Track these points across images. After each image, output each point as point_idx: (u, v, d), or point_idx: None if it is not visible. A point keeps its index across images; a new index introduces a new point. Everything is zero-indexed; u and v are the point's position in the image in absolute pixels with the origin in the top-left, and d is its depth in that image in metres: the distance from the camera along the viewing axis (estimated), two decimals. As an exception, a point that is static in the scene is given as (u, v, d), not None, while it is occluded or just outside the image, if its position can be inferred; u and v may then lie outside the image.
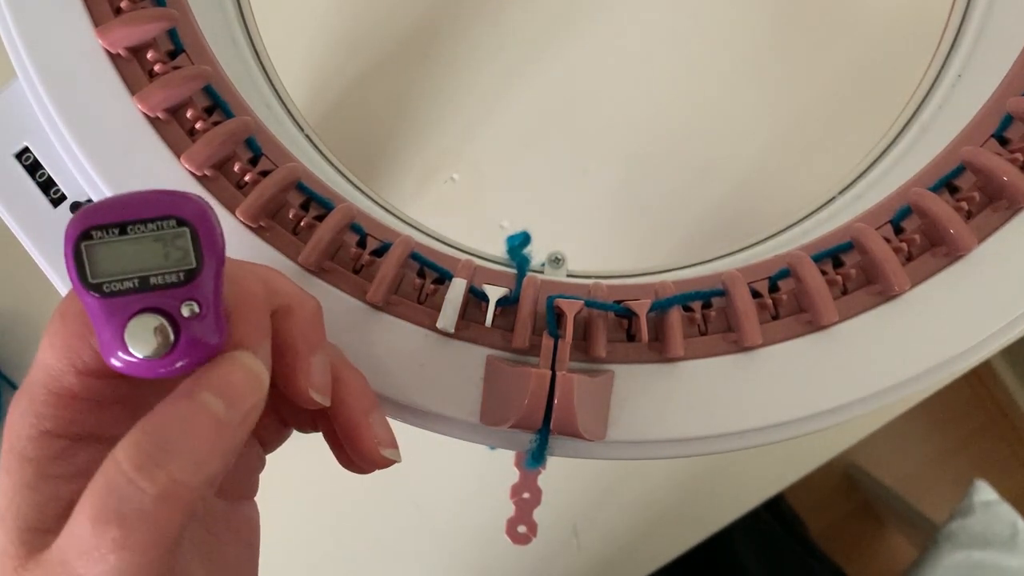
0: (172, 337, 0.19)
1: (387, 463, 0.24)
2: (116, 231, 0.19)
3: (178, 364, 0.19)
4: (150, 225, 0.19)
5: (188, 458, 0.18)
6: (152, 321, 0.19)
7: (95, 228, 0.19)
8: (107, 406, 0.21)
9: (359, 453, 0.24)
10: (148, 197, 0.19)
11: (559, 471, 0.51)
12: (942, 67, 0.36)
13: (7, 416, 0.20)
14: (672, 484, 0.54)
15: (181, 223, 0.19)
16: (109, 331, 0.19)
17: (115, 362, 0.19)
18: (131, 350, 0.19)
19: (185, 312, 0.19)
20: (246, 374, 0.20)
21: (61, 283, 0.30)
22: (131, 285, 0.19)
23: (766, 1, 0.54)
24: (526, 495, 0.28)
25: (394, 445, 0.24)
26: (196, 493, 0.18)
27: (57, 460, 0.20)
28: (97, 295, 0.19)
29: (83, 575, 0.17)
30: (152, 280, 0.19)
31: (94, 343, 0.20)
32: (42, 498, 0.19)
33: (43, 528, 0.19)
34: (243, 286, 0.21)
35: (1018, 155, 0.27)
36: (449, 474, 0.53)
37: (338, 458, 0.25)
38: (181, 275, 0.19)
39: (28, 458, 0.19)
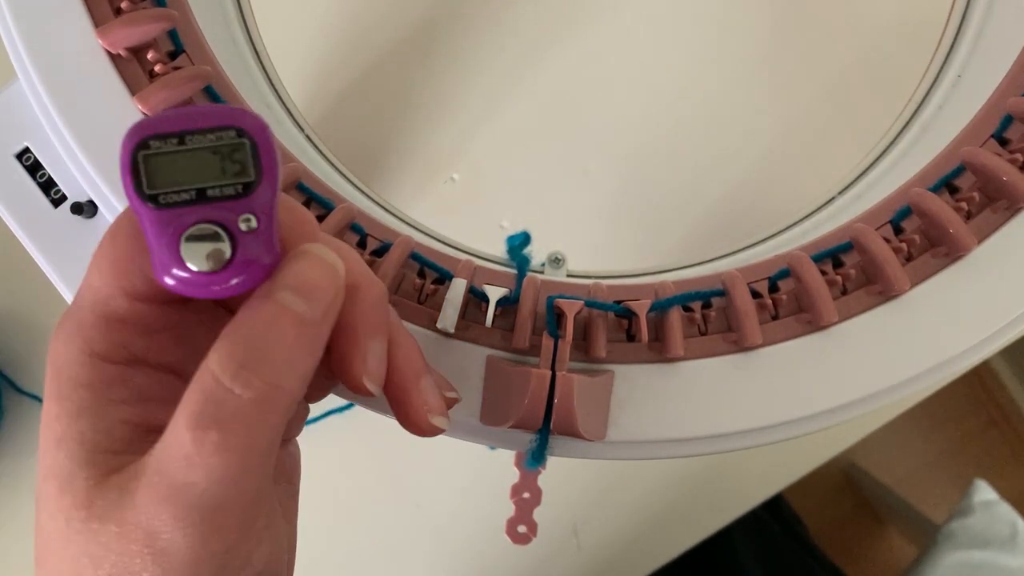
0: (229, 251, 0.18)
1: (435, 431, 0.23)
2: (175, 141, 0.18)
3: (233, 281, 0.19)
4: (209, 135, 0.18)
5: (279, 360, 0.18)
6: (208, 231, 0.18)
7: (154, 137, 0.18)
8: (156, 332, 0.20)
9: (408, 419, 0.23)
10: (206, 110, 0.19)
11: (559, 471, 0.51)
12: (942, 67, 0.36)
13: (51, 344, 0.20)
14: (672, 484, 0.54)
15: (241, 134, 0.19)
16: (163, 244, 0.18)
17: (168, 279, 0.18)
18: (186, 263, 0.18)
19: (242, 226, 0.19)
20: (322, 267, 0.19)
21: (61, 283, 0.30)
22: (188, 197, 0.18)
23: (766, 2, 0.54)
24: (526, 495, 0.28)
25: (444, 412, 0.23)
26: (291, 394, 0.18)
27: (115, 385, 0.20)
28: (153, 206, 0.18)
29: (184, 480, 0.17)
30: (209, 192, 0.18)
31: (145, 266, 0.19)
32: (107, 423, 0.19)
33: (113, 450, 0.19)
34: (298, 214, 0.21)
35: (1018, 155, 0.28)
36: (449, 474, 0.53)
37: (406, 424, 0.24)
38: (239, 187, 0.19)
39: (83, 383, 0.19)
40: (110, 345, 0.20)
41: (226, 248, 0.18)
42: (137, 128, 0.18)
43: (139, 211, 0.18)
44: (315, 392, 0.25)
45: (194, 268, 0.18)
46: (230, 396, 0.17)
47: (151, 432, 0.19)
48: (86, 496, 0.18)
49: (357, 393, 0.22)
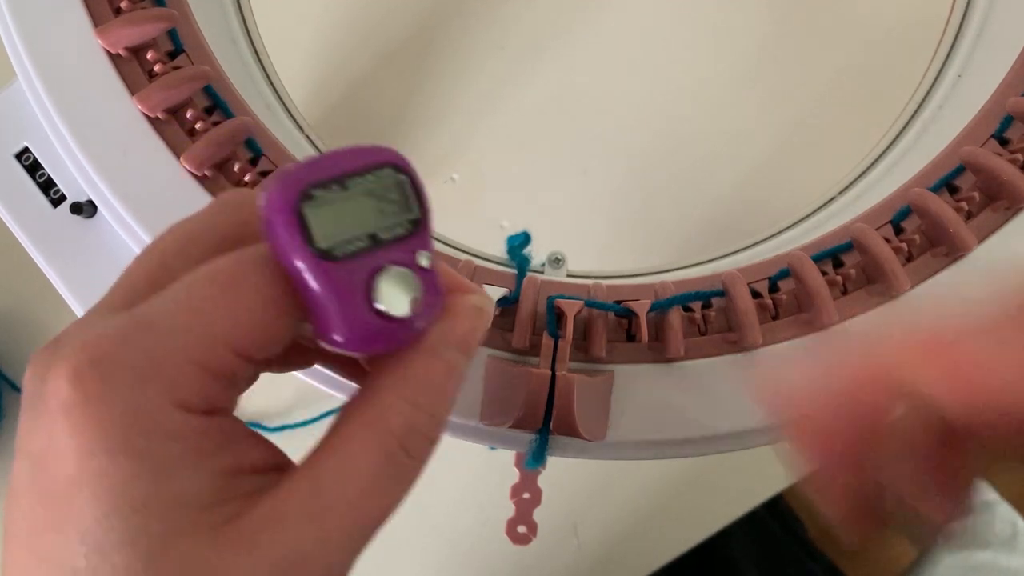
0: (420, 291, 0.18)
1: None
2: (337, 187, 0.17)
3: (420, 324, 0.18)
4: (368, 176, 0.18)
5: (440, 424, 0.19)
6: (401, 275, 0.18)
7: (316, 186, 0.17)
8: (242, 385, 0.19)
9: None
10: (355, 151, 0.18)
11: (559, 471, 0.51)
12: (942, 67, 0.36)
13: (82, 385, 0.16)
14: (672, 484, 0.54)
15: (398, 171, 0.18)
16: (349, 299, 0.17)
17: (347, 334, 0.17)
18: (385, 309, 0.17)
19: (423, 263, 0.18)
20: (479, 319, 0.19)
21: (61, 283, 0.30)
22: (363, 244, 0.17)
23: (766, 1, 0.54)
24: (526, 495, 0.28)
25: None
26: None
27: (209, 434, 0.17)
28: (328, 260, 0.17)
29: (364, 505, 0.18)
30: (382, 236, 0.18)
31: (279, 327, 0.17)
32: (208, 481, 0.17)
33: (214, 504, 0.17)
34: None
35: (1018, 155, 0.27)
36: (449, 474, 0.53)
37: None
38: (408, 226, 0.18)
39: (172, 435, 0.16)
40: (197, 397, 0.17)
41: (417, 289, 0.18)
42: (292, 177, 0.17)
43: (306, 267, 0.17)
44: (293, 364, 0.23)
45: (391, 314, 0.17)
46: (409, 464, 0.18)
47: (238, 476, 0.17)
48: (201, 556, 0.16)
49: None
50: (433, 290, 0.18)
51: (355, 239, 0.17)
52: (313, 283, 0.17)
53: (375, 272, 0.17)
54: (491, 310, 0.20)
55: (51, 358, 0.16)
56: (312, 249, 0.17)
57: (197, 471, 0.16)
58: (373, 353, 0.19)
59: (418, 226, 0.18)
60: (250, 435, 0.18)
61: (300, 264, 0.17)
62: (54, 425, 0.16)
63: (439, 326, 0.19)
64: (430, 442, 0.19)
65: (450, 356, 0.19)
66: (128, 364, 0.16)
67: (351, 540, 0.17)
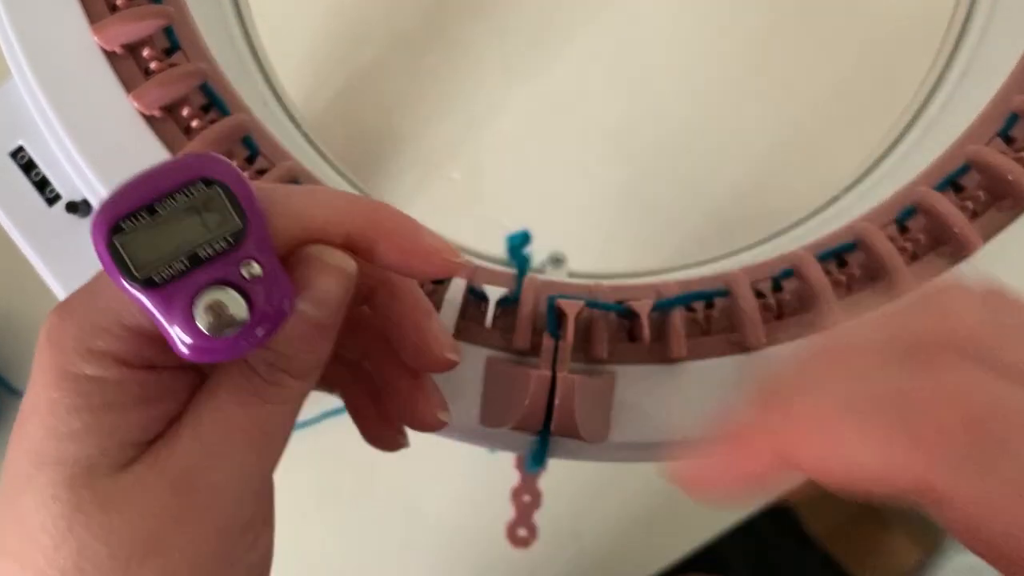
0: (245, 305, 0.18)
1: (451, 366, 0.24)
2: (145, 214, 0.17)
3: (258, 332, 0.18)
4: (179, 196, 0.18)
5: (302, 363, 0.20)
6: (219, 294, 0.18)
7: (123, 218, 0.17)
8: None
9: (430, 363, 0.23)
10: (164, 169, 0.18)
11: (560, 473, 0.51)
12: (947, 64, 0.36)
13: (53, 330, 0.19)
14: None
15: (209, 183, 0.18)
16: (175, 320, 0.18)
17: (187, 351, 0.18)
18: (206, 331, 0.18)
19: (245, 274, 0.18)
20: (331, 274, 0.20)
21: (56, 282, 0.29)
22: (182, 266, 0.18)
23: (768, 1, 0.54)
24: (527, 498, 0.28)
25: (456, 348, 0.24)
26: (312, 381, 0.21)
27: (146, 384, 0.19)
28: (149, 288, 0.17)
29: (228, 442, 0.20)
30: (200, 253, 0.18)
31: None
32: (142, 419, 0.19)
33: (146, 440, 0.19)
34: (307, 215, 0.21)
35: (1023, 154, 0.27)
36: (449, 476, 0.53)
37: (364, 429, 0.25)
38: (228, 239, 0.18)
39: (110, 381, 0.19)
40: (137, 357, 0.19)
41: (240, 303, 0.18)
42: (102, 213, 0.17)
43: (136, 296, 0.18)
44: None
45: (216, 335, 0.18)
46: (266, 386, 0.20)
47: (156, 422, 0.20)
48: (99, 486, 0.18)
49: (441, 371, 0.23)
50: (272, 293, 0.18)
51: (173, 262, 0.18)
52: (143, 307, 0.18)
53: (195, 295, 0.18)
54: (344, 262, 0.20)
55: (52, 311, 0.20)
56: (131, 280, 0.17)
57: (128, 411, 0.19)
58: (226, 360, 0.20)
59: (240, 236, 0.18)
60: (191, 391, 0.20)
61: (127, 292, 0.18)
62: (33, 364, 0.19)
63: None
64: (285, 372, 0.20)
65: (302, 310, 0.19)
66: (77, 318, 0.19)
67: (231, 453, 0.19)
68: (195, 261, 0.18)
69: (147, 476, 0.19)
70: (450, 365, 0.23)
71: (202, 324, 0.18)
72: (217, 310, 0.18)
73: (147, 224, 0.18)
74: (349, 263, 0.20)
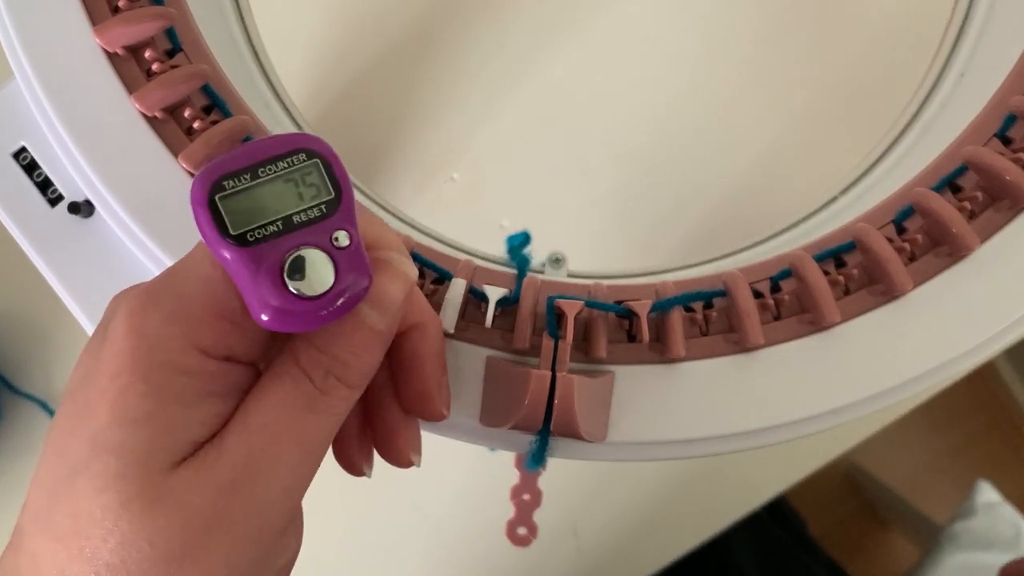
0: (332, 272, 0.18)
1: (413, 460, 0.25)
2: (248, 176, 0.18)
3: (339, 302, 0.19)
4: (280, 163, 0.19)
5: (356, 371, 0.20)
6: (313, 256, 0.18)
7: (227, 177, 0.18)
8: (260, 336, 0.21)
9: (425, 411, 0.24)
10: (268, 142, 0.19)
11: (559, 472, 0.51)
12: (944, 66, 0.36)
13: (133, 317, 0.19)
14: (673, 486, 0.54)
15: (311, 155, 0.19)
16: (263, 280, 0.18)
17: (267, 315, 0.18)
18: (295, 290, 0.18)
19: (336, 243, 0.19)
20: (399, 279, 0.20)
21: (58, 283, 0.30)
22: (276, 228, 0.18)
23: (767, 1, 0.54)
24: (526, 496, 0.28)
25: (449, 408, 0.25)
26: (358, 393, 0.21)
27: (217, 378, 0.20)
28: (242, 245, 0.18)
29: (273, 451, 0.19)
30: (295, 219, 0.19)
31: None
32: (205, 414, 0.19)
33: (204, 440, 0.19)
34: (373, 221, 0.22)
35: (1021, 155, 0.27)
36: (449, 475, 0.53)
37: (340, 452, 0.26)
38: (323, 207, 0.19)
39: (184, 371, 0.19)
40: (216, 343, 0.20)
41: (328, 269, 0.19)
42: (207, 172, 0.18)
43: (227, 254, 0.18)
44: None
45: (305, 295, 0.18)
46: (320, 397, 0.20)
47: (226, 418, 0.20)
48: (154, 484, 0.18)
49: (431, 420, 0.24)
50: (355, 266, 0.19)
51: (268, 224, 0.18)
52: (231, 267, 0.18)
53: (286, 255, 0.18)
54: (411, 270, 0.21)
55: (125, 295, 0.20)
56: (226, 237, 0.18)
57: (192, 406, 0.19)
58: (301, 331, 0.20)
59: (334, 206, 0.19)
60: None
61: (219, 250, 0.18)
62: (103, 350, 0.19)
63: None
64: (339, 380, 0.20)
65: (361, 310, 0.20)
66: (162, 306, 0.19)
67: (276, 462, 0.19)
68: (288, 225, 0.19)
69: (194, 480, 0.19)
70: (441, 418, 0.24)
71: (292, 284, 0.18)
72: (308, 270, 0.18)
73: (248, 186, 0.18)
74: (414, 272, 0.21)
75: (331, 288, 0.18)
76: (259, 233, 0.18)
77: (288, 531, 0.21)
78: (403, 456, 0.24)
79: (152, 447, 0.18)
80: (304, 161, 0.19)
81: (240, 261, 0.18)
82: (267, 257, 0.18)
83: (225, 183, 0.18)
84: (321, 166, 0.19)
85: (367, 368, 0.21)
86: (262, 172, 0.18)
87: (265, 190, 0.18)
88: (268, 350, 0.21)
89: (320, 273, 0.18)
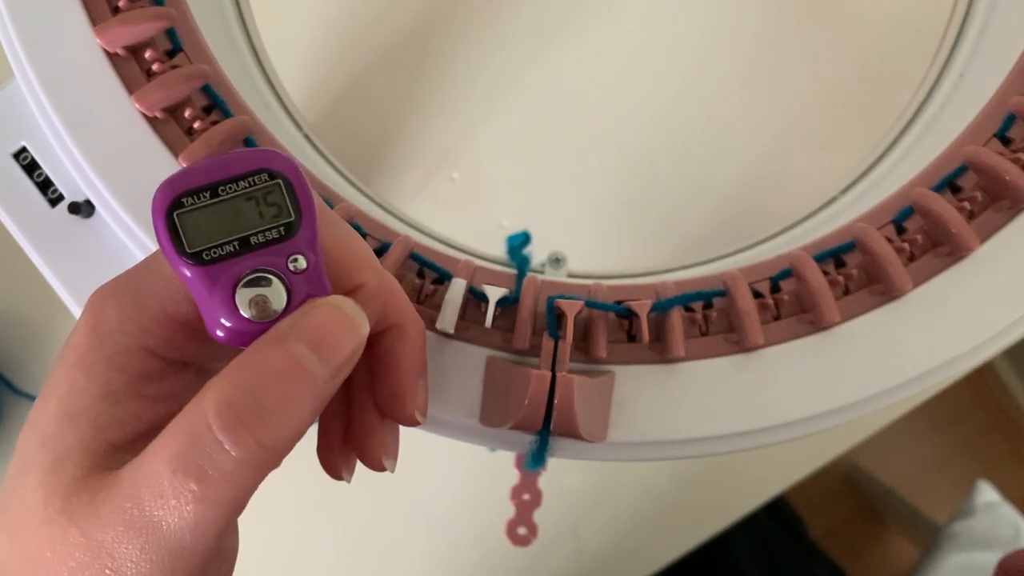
0: (284, 295, 0.18)
1: (385, 465, 0.23)
2: (207, 194, 0.18)
3: None
4: (241, 182, 0.18)
5: (276, 421, 0.17)
6: (261, 279, 0.18)
7: (186, 195, 0.18)
8: (211, 341, 0.20)
9: (397, 413, 0.23)
10: (233, 157, 0.19)
11: (559, 472, 0.51)
12: (944, 66, 0.36)
13: (96, 311, 0.19)
14: (673, 485, 0.54)
15: (272, 176, 0.19)
16: (216, 299, 0.18)
17: (223, 333, 0.18)
18: (244, 314, 0.18)
19: (292, 267, 0.19)
20: (344, 323, 0.19)
21: (58, 283, 0.30)
22: (231, 248, 0.18)
23: (767, 1, 0.54)
24: (526, 496, 0.28)
25: (424, 415, 0.24)
26: (283, 454, 0.18)
27: (151, 380, 0.19)
28: (197, 264, 0.18)
29: (156, 516, 0.17)
30: (253, 239, 0.18)
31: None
32: (125, 414, 0.19)
33: (118, 444, 0.19)
34: (345, 245, 0.21)
35: (1021, 155, 0.27)
36: (448, 475, 0.53)
37: (323, 452, 0.24)
38: (281, 230, 0.19)
39: (121, 367, 0.19)
40: (165, 344, 0.19)
41: (281, 293, 0.18)
42: (167, 187, 0.18)
43: (183, 271, 0.18)
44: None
45: (251, 318, 0.18)
46: (219, 450, 0.17)
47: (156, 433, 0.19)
48: (71, 485, 0.18)
49: (404, 424, 0.23)
50: (313, 290, 0.19)
51: (224, 244, 0.18)
52: (188, 283, 0.18)
53: (241, 276, 0.18)
54: (358, 318, 0.19)
55: (98, 288, 0.20)
56: (182, 254, 0.18)
57: (121, 407, 0.19)
58: None
59: (293, 229, 0.19)
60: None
61: (176, 266, 0.18)
62: (66, 342, 0.19)
63: (288, 318, 0.18)
64: (242, 424, 0.17)
65: (294, 348, 0.18)
66: (118, 299, 0.19)
67: (157, 549, 0.17)
68: (246, 246, 0.18)
69: (89, 507, 0.18)
70: (414, 423, 0.23)
71: (242, 307, 0.18)
72: (260, 293, 0.18)
73: (207, 204, 0.18)
74: (364, 323, 0.19)
75: (282, 313, 0.18)
76: (215, 253, 0.18)
77: (209, 568, 0.19)
78: (375, 459, 0.23)
79: (79, 443, 0.18)
80: (266, 181, 0.19)
81: (196, 278, 0.18)
82: (221, 277, 0.18)
83: (184, 200, 0.18)
84: (283, 186, 0.19)
85: (297, 424, 0.18)
86: (222, 191, 0.18)
87: (225, 207, 0.18)
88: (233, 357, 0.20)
89: (271, 297, 0.18)
